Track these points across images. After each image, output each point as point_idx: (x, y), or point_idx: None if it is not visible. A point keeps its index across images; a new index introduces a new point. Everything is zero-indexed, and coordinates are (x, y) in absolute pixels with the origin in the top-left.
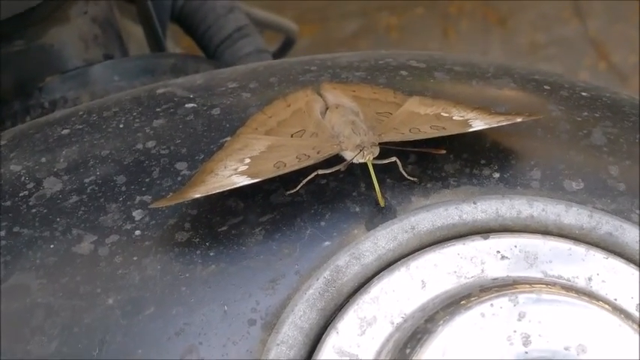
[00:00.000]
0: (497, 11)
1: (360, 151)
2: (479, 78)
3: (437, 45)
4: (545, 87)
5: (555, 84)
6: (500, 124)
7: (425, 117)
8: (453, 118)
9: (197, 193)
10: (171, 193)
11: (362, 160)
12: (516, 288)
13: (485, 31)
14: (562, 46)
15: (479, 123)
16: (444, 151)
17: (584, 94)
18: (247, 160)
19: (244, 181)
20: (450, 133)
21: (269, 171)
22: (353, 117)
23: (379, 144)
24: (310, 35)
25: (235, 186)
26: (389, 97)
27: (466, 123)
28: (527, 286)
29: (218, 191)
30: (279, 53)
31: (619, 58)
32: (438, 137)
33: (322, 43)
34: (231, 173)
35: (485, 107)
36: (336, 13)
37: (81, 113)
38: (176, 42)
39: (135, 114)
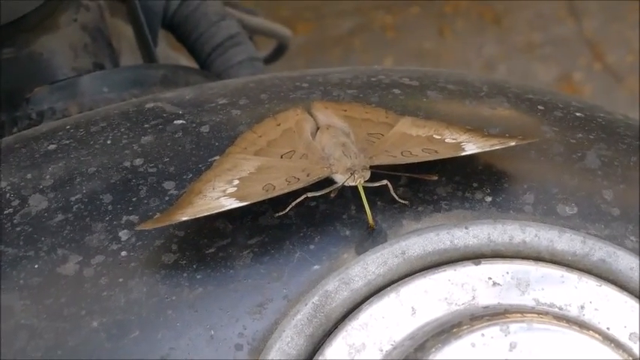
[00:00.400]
0: (493, 10)
1: (351, 174)
2: (472, 97)
3: (432, 44)
4: (539, 107)
5: (549, 104)
6: (493, 149)
7: (417, 139)
8: (446, 140)
9: (184, 216)
10: (158, 214)
11: (353, 184)
12: (508, 317)
13: (480, 30)
14: (557, 45)
15: (471, 147)
16: (435, 177)
17: (578, 114)
18: (236, 182)
19: (232, 204)
20: (442, 157)
21: (258, 194)
22: (344, 138)
23: (370, 167)
24: (306, 33)
25: (223, 209)
26: (381, 117)
27: (458, 146)
28: (519, 315)
29: (205, 214)
30: (272, 58)
31: (614, 58)
32: (430, 160)
33: (318, 41)
34: (220, 195)
35: (477, 130)
36: (331, 12)
37: (68, 127)
38: (170, 45)
39: (123, 130)
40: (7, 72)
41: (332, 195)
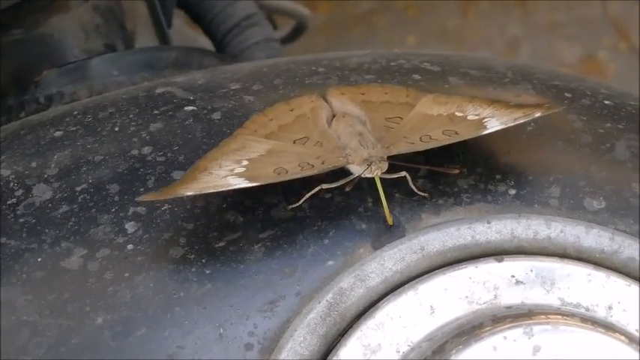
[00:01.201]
0: None
1: (368, 166)
2: (496, 84)
3: (455, 23)
4: (566, 94)
5: (577, 91)
6: (517, 122)
7: (437, 119)
8: (468, 117)
9: (189, 191)
10: (161, 189)
11: (370, 175)
12: (531, 319)
13: (504, 9)
14: (582, 25)
15: (494, 123)
16: (457, 171)
17: (607, 102)
18: (245, 162)
19: (241, 183)
20: (462, 139)
21: (269, 176)
22: (360, 127)
23: (388, 157)
24: (327, 12)
25: (231, 188)
26: (401, 96)
27: (480, 124)
28: (543, 316)
29: (212, 191)
30: (291, 38)
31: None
32: (453, 146)
33: (338, 20)
34: (227, 174)
35: (502, 101)
36: None
37: (75, 113)
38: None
39: (132, 116)
40: (16, 54)
41: (347, 188)
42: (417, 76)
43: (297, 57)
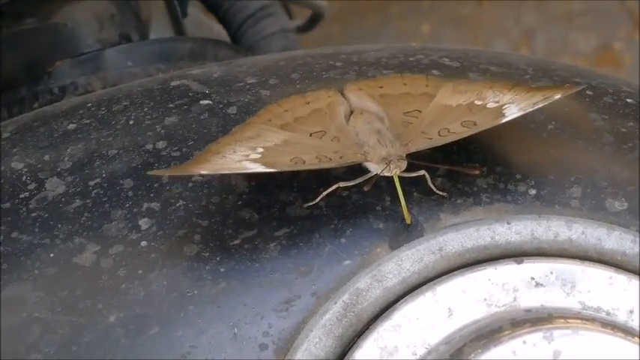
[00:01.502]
0: None
1: (387, 165)
2: (516, 81)
3: (470, 11)
4: (588, 92)
5: (599, 89)
6: (536, 107)
7: (457, 110)
8: (487, 105)
9: (203, 170)
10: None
11: (388, 174)
12: (551, 323)
13: None
14: (597, 15)
15: (513, 110)
16: (477, 172)
17: (629, 100)
18: (260, 150)
19: (258, 168)
20: (481, 129)
21: (286, 164)
22: (379, 125)
23: (407, 155)
24: None
25: (247, 171)
26: (420, 86)
27: (499, 112)
28: (563, 320)
29: (226, 172)
30: (307, 27)
31: None
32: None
33: (353, 7)
34: (242, 158)
35: (522, 84)
36: None
37: (89, 105)
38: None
39: (146, 109)
40: (29, 44)
41: (366, 188)
42: (436, 72)
43: (314, 50)
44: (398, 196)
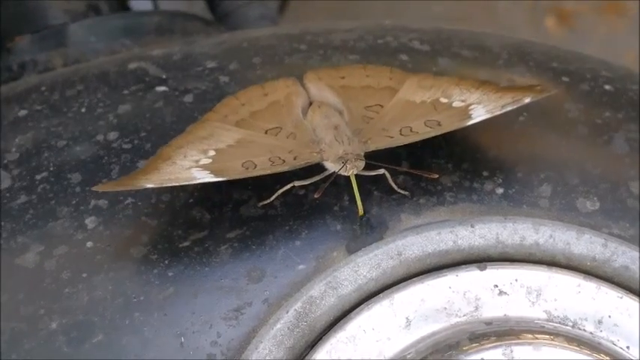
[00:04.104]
0: None
1: (343, 164)
2: (488, 66)
3: None
4: (564, 78)
5: (575, 74)
6: (504, 110)
7: (420, 107)
8: (453, 104)
9: (149, 183)
10: (120, 178)
11: (345, 174)
12: (512, 337)
13: None
14: None
15: (480, 111)
16: (436, 176)
17: (607, 87)
18: (211, 153)
19: (206, 177)
20: (445, 131)
21: (236, 171)
22: (337, 119)
23: (366, 153)
24: None
25: (194, 182)
26: (383, 79)
27: (465, 113)
28: (525, 335)
29: (174, 184)
30: None
31: None
32: (438, 137)
33: None
34: (191, 165)
35: (491, 83)
36: None
37: (43, 89)
38: None
39: (100, 96)
40: None
41: (316, 195)
42: (404, 57)
43: (281, 29)
44: (354, 194)
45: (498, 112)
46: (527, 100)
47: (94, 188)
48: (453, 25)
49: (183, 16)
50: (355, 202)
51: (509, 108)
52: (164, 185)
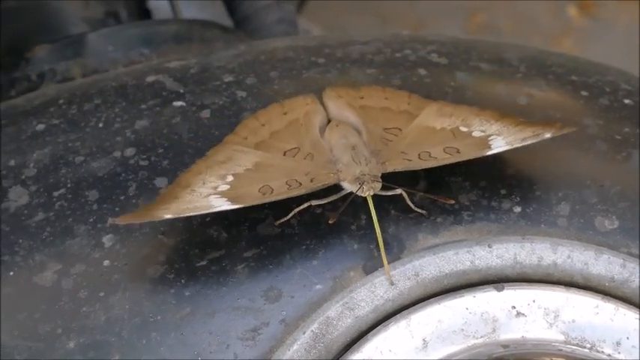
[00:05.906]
0: None
1: (360, 185)
2: (506, 80)
3: None
4: (583, 92)
5: (595, 88)
6: (524, 144)
7: (440, 134)
8: (472, 134)
9: (168, 213)
10: (139, 208)
11: (362, 195)
12: None
13: None
14: None
15: (500, 143)
16: (453, 202)
17: (627, 101)
18: (229, 178)
19: (223, 205)
20: (464, 159)
21: (253, 197)
22: (355, 139)
23: (383, 175)
24: None
25: (212, 210)
26: (402, 103)
27: (485, 143)
28: (546, 359)
29: (192, 214)
30: None
31: None
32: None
33: None
34: (210, 192)
35: (511, 116)
36: None
37: (61, 102)
38: None
39: (117, 110)
40: (9, 24)
41: (330, 221)
42: (422, 72)
43: (297, 41)
44: (372, 220)
45: (518, 145)
46: (547, 136)
47: (112, 221)
48: (473, 15)
49: (201, 24)
50: (376, 237)
51: (529, 142)
52: (182, 215)
